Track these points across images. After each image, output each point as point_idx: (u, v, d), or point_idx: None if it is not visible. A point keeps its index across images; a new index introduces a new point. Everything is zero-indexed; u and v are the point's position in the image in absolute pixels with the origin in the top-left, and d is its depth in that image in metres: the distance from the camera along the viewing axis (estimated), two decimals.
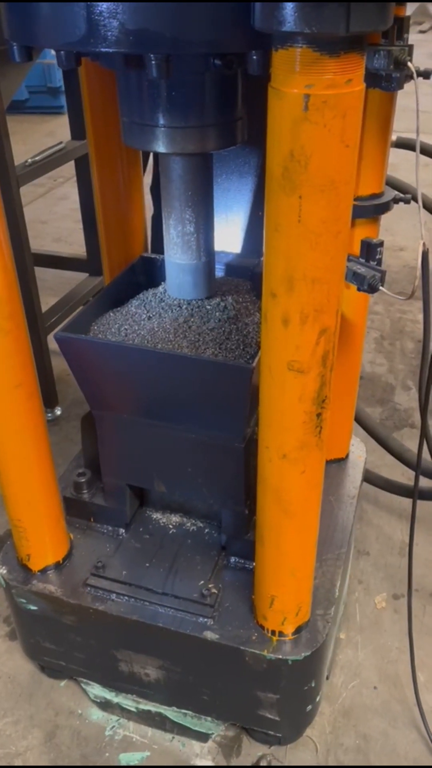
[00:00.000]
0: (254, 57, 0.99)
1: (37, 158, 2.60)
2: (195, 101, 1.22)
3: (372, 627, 2.00)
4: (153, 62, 0.98)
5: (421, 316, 3.38)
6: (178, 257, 1.46)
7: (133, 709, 1.74)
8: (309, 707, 1.60)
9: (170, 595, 1.55)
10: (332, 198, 0.95)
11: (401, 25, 1.15)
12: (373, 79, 1.12)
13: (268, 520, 1.33)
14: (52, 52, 1.07)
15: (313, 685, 1.54)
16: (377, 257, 1.36)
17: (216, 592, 1.55)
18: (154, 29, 0.94)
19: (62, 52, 1.04)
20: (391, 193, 1.47)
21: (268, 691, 1.52)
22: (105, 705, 1.78)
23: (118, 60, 1.16)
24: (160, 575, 1.60)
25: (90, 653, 1.66)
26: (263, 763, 1.66)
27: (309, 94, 0.87)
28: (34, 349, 1.50)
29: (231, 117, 1.28)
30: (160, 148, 1.27)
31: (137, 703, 1.72)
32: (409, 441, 2.64)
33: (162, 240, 1.49)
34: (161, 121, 1.23)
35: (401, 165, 2.69)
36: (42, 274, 3.06)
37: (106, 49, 0.95)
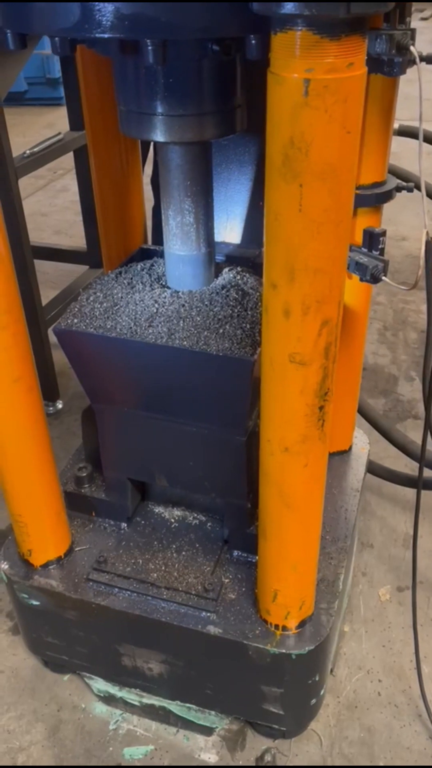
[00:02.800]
0: (253, 41, 0.97)
1: (35, 150, 2.57)
2: (193, 88, 1.20)
3: (376, 619, 1.99)
4: (149, 48, 0.96)
5: (424, 307, 3.36)
6: (177, 248, 1.44)
7: (136, 704, 1.74)
8: (313, 701, 1.59)
9: (173, 589, 1.54)
10: (334, 186, 0.93)
11: (403, 9, 1.13)
12: (374, 64, 1.10)
13: (271, 514, 1.32)
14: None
15: (317, 678, 1.54)
16: (380, 247, 1.34)
17: (219, 586, 1.54)
18: (150, 14, 0.92)
19: (57, 39, 1.02)
20: (394, 182, 1.45)
21: (272, 686, 1.51)
22: (108, 699, 1.78)
23: (114, 46, 1.14)
24: (162, 569, 1.59)
25: (93, 648, 1.66)
26: (268, 756, 1.66)
27: (309, 79, 0.84)
28: (34, 342, 1.49)
29: (230, 104, 1.26)
30: (158, 136, 1.25)
31: (141, 697, 1.72)
32: (413, 432, 2.62)
33: (162, 232, 1.47)
34: (159, 109, 1.21)
35: (403, 154, 2.66)
36: (42, 266, 3.05)
37: (101, 35, 0.93)
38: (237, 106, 1.28)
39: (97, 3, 0.92)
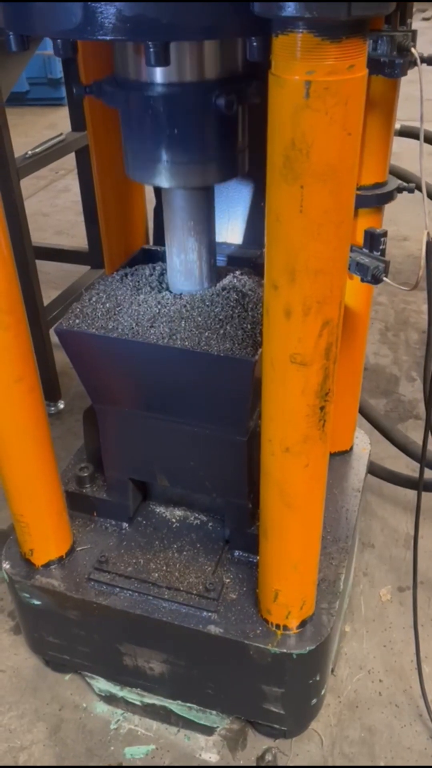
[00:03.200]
0: (254, 43, 0.97)
1: (37, 150, 2.58)
2: (197, 138, 1.24)
3: (377, 620, 1.99)
4: (151, 50, 0.96)
5: (425, 307, 3.36)
6: (181, 284, 1.47)
7: (137, 703, 1.74)
8: (314, 701, 1.59)
9: (174, 589, 1.54)
10: (334, 187, 0.93)
11: (404, 11, 1.13)
12: (375, 65, 1.10)
13: (272, 514, 1.32)
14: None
15: (317, 678, 1.54)
16: (381, 247, 1.35)
17: (220, 586, 1.54)
18: (151, 15, 0.92)
19: (59, 41, 1.02)
20: (395, 182, 1.45)
21: (272, 685, 1.51)
22: (110, 699, 1.78)
23: (121, 98, 1.18)
24: (163, 569, 1.59)
25: (94, 647, 1.66)
26: (268, 756, 1.66)
27: (310, 81, 0.85)
28: (35, 342, 1.49)
29: (233, 151, 1.30)
30: (163, 183, 1.29)
31: (142, 696, 1.72)
32: (414, 432, 2.63)
33: (163, 231, 1.48)
34: (164, 157, 1.25)
35: (404, 154, 2.66)
36: (43, 267, 3.05)
37: (103, 37, 0.94)
38: (240, 151, 1.32)
39: (99, 5, 0.92)
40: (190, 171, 1.28)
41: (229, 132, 1.28)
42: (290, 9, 0.81)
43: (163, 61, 0.98)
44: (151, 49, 0.96)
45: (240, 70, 1.24)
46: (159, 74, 1.18)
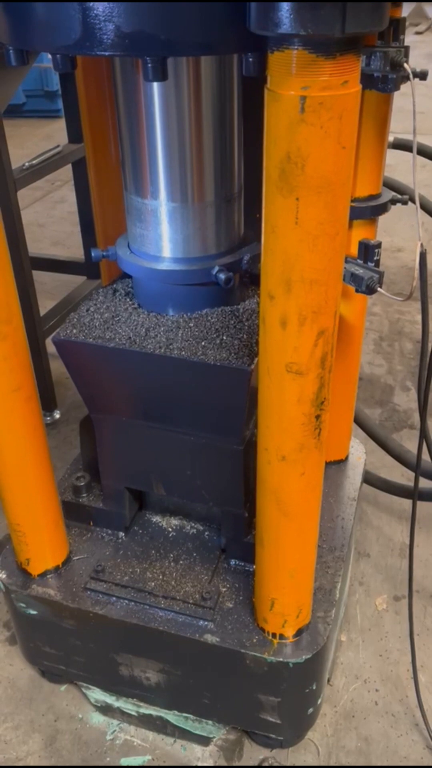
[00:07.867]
0: (250, 59, 0.99)
1: (34, 162, 2.60)
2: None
3: (373, 629, 1.99)
4: (149, 65, 0.98)
5: (419, 317, 3.38)
6: None
7: (133, 713, 1.74)
8: (310, 710, 1.59)
9: (170, 598, 1.54)
10: (329, 199, 0.95)
11: (397, 27, 1.15)
12: (369, 80, 1.12)
13: (268, 523, 1.33)
14: (49, 55, 1.07)
15: (314, 687, 1.54)
16: (375, 258, 1.36)
17: (216, 595, 1.54)
18: (150, 31, 0.94)
19: (58, 56, 1.04)
20: (389, 194, 1.47)
21: (269, 694, 1.51)
22: (105, 709, 1.77)
23: None
24: (160, 578, 1.60)
25: (90, 657, 1.66)
26: (265, 766, 1.65)
27: (305, 96, 0.87)
28: (32, 352, 1.50)
29: None
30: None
31: (138, 707, 1.72)
32: (409, 442, 2.64)
33: None
34: None
35: (398, 166, 2.69)
36: (40, 277, 3.06)
37: (102, 53, 0.95)
38: None
39: (97, 21, 0.94)
40: None
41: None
42: (285, 26, 0.83)
43: (161, 76, 1.00)
44: (149, 65, 0.98)
45: None
46: None
